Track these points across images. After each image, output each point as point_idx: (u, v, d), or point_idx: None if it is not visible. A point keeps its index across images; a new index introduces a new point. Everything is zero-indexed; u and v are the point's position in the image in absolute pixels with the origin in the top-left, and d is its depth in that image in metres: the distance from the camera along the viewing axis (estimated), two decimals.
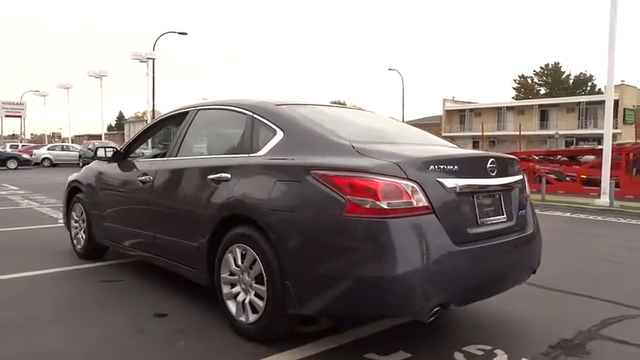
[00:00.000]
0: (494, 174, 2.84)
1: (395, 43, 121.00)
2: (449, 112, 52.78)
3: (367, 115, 3.94)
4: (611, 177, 10.87)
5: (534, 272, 3.17)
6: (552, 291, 4.01)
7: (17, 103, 44.92)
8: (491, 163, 2.84)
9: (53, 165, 27.40)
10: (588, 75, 62.69)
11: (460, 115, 52.60)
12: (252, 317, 2.82)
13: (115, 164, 4.36)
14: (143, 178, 3.82)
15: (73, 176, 5.12)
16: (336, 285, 2.47)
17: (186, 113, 3.84)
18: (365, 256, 2.39)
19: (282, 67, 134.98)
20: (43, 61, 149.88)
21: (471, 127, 49.57)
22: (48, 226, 6.81)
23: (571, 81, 62.85)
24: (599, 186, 11.11)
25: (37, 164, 26.55)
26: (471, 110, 51.77)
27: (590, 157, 14.34)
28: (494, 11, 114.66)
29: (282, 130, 2.98)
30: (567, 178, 14.25)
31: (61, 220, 6.96)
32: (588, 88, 60.79)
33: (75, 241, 4.95)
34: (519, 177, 3.14)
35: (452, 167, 2.63)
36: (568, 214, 9.67)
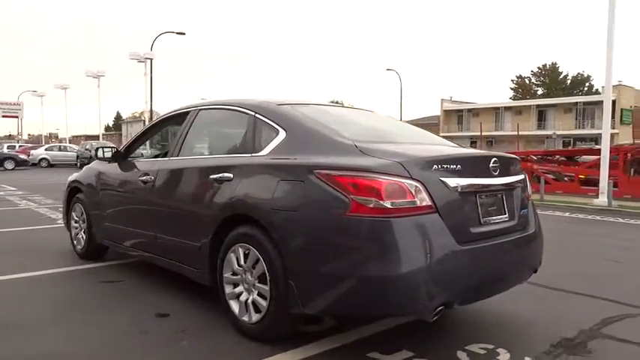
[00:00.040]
0: (496, 173, 2.84)
1: (393, 43, 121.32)
2: (447, 112, 52.86)
3: (368, 114, 3.94)
4: (609, 177, 10.91)
5: (536, 271, 3.18)
6: (553, 290, 4.02)
7: (14, 104, 44.74)
8: (494, 162, 2.84)
9: (51, 165, 27.32)
10: (586, 75, 62.98)
11: (458, 115, 52.69)
12: (255, 317, 2.81)
13: (116, 164, 4.35)
14: (144, 178, 3.81)
15: (73, 176, 5.11)
16: (339, 284, 2.47)
17: (187, 113, 3.84)
18: (369, 256, 2.39)
19: (281, 67, 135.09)
20: (40, 61, 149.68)
21: (468, 127, 49.66)
22: (46, 227, 6.80)
23: (568, 81, 63.06)
24: (597, 186, 11.16)
25: (34, 165, 26.46)
26: (469, 110, 51.86)
27: (589, 157, 14.38)
28: (492, 12, 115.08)
29: (284, 129, 2.98)
30: (565, 178, 14.29)
31: (60, 221, 6.96)
32: (585, 89, 61.02)
33: (75, 242, 4.93)
34: (521, 176, 3.15)
35: (455, 167, 2.63)
36: (567, 214, 9.70)
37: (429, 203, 2.47)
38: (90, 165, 4.95)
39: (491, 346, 2.84)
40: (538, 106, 47.81)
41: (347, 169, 2.51)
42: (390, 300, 2.41)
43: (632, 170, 12.88)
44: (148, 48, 29.32)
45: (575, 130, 43.49)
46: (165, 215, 3.60)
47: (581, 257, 5.61)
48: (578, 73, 63.34)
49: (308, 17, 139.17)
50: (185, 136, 3.71)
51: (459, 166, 2.65)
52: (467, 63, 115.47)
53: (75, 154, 28.47)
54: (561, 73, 63.44)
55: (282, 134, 2.97)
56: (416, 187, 2.45)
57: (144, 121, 32.71)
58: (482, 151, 3.16)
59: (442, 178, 2.55)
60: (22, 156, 25.86)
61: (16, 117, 45.66)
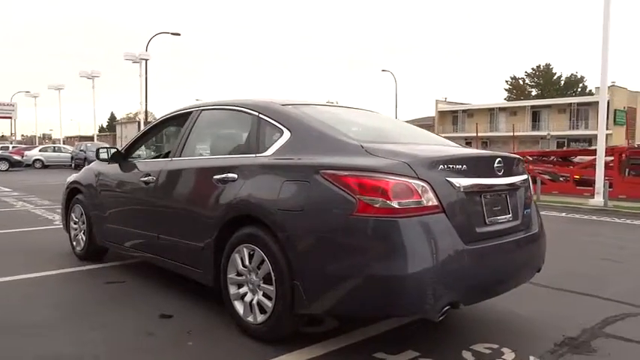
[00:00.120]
0: (500, 173, 2.86)
1: (388, 44, 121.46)
2: (442, 113, 53.01)
3: (371, 115, 3.95)
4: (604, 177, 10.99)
5: (539, 271, 3.19)
6: (554, 290, 4.05)
7: (7, 104, 44.41)
8: (498, 162, 2.86)
9: (45, 167, 27.14)
10: (579, 76, 63.42)
11: (453, 116, 52.84)
12: (261, 317, 2.81)
13: (116, 165, 4.32)
14: (146, 178, 3.79)
15: (73, 177, 5.08)
16: (345, 284, 2.47)
17: (189, 114, 3.83)
18: (375, 256, 2.40)
19: (275, 68, 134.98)
20: (33, 62, 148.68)
21: (463, 128, 49.83)
22: (45, 228, 6.75)
23: (562, 82, 63.46)
24: (593, 186, 11.23)
25: (28, 166, 26.28)
26: (464, 111, 52.03)
27: (585, 158, 14.48)
28: (486, 13, 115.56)
29: (289, 130, 2.98)
30: (561, 179, 14.38)
31: (57, 222, 6.93)
32: (579, 90, 61.41)
33: (74, 243, 4.90)
34: (524, 176, 3.16)
35: (460, 167, 2.64)
36: (563, 214, 9.75)
37: (436, 203, 2.47)
38: (89, 166, 4.92)
39: (495, 346, 2.85)
40: (532, 107, 48.03)
41: (353, 169, 2.51)
42: (397, 300, 2.41)
43: (627, 170, 12.98)
44: (142, 49, 29.20)
45: (569, 131, 43.76)
46: (167, 216, 3.59)
47: (580, 257, 5.65)
48: (572, 74, 63.83)
49: (303, 18, 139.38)
50: (187, 137, 3.70)
51: (464, 166, 2.67)
52: (461, 64, 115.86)
53: (69, 155, 28.27)
54: (555, 74, 63.84)
55: (286, 134, 2.97)
56: (422, 187, 2.45)
57: (138, 122, 32.59)
58: (487, 151, 3.18)
59: (448, 178, 2.56)
60: (17, 157, 25.67)
61: (10, 118, 45.33)
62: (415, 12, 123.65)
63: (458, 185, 2.58)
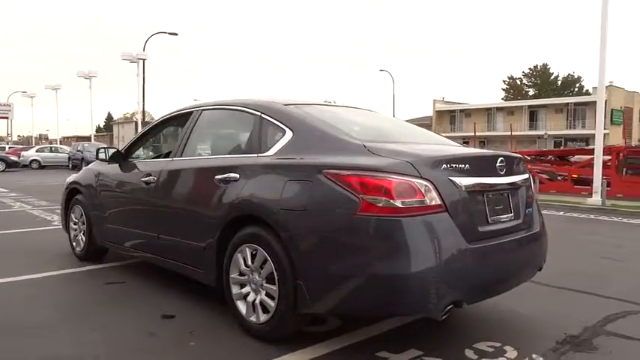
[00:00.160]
0: (503, 173, 2.87)
1: (387, 44, 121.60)
2: (439, 113, 53.10)
3: (371, 114, 3.95)
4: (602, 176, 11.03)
5: (540, 269, 3.20)
6: (556, 288, 4.06)
7: (4, 105, 44.20)
8: (501, 162, 2.86)
9: (42, 167, 27.05)
10: (576, 76, 63.63)
11: (450, 116, 52.95)
12: (264, 317, 2.81)
13: (116, 165, 4.31)
14: (147, 178, 3.79)
15: (72, 178, 5.06)
16: (349, 283, 2.47)
17: (190, 114, 3.82)
18: (378, 255, 2.40)
19: (274, 68, 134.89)
20: (30, 62, 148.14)
21: (461, 128, 49.91)
22: (43, 229, 6.73)
23: (559, 82, 63.64)
24: (590, 185, 11.27)
25: (25, 166, 26.17)
26: (462, 111, 52.14)
27: (582, 157, 14.52)
28: (484, 13, 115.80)
29: (291, 129, 2.98)
30: (559, 178, 14.42)
31: (56, 222, 6.91)
32: (576, 90, 61.59)
33: (74, 243, 4.89)
34: (526, 175, 3.17)
35: (463, 166, 2.65)
36: (562, 213, 9.78)
37: (439, 202, 2.48)
38: (89, 166, 4.91)
39: (498, 344, 2.86)
40: (530, 106, 48.19)
41: (356, 169, 2.51)
42: (400, 299, 2.41)
43: (624, 170, 13.03)
44: (139, 49, 29.14)
45: (566, 131, 43.91)
46: (168, 216, 3.58)
47: (579, 256, 5.67)
48: (569, 74, 64.05)
49: (303, 18, 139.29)
50: (188, 137, 3.69)
51: (466, 165, 2.67)
52: (459, 64, 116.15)
53: (66, 155, 28.18)
54: (552, 74, 64.02)
55: (288, 134, 2.97)
56: (426, 186, 2.46)
57: (135, 122, 32.48)
58: (489, 151, 3.18)
59: (451, 178, 2.56)
60: (13, 157, 25.57)
61: (6, 118, 45.13)
62: (415, 12, 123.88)
63: (460, 184, 2.59)
